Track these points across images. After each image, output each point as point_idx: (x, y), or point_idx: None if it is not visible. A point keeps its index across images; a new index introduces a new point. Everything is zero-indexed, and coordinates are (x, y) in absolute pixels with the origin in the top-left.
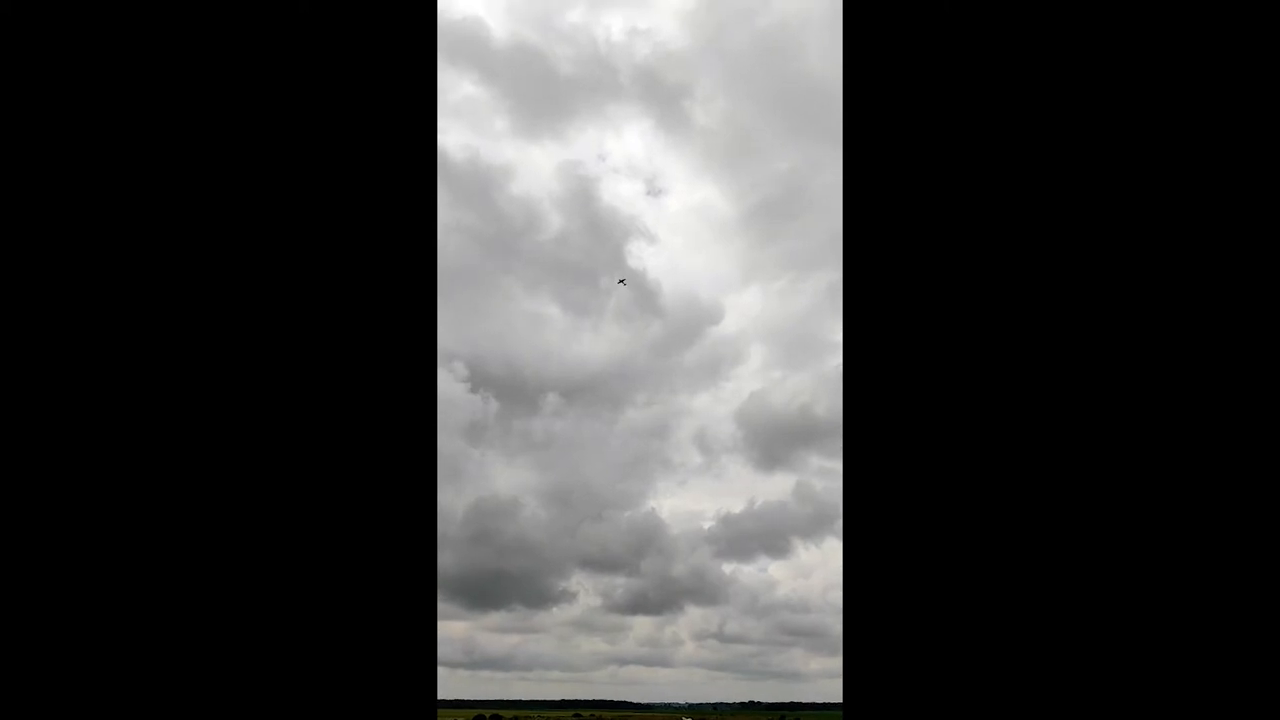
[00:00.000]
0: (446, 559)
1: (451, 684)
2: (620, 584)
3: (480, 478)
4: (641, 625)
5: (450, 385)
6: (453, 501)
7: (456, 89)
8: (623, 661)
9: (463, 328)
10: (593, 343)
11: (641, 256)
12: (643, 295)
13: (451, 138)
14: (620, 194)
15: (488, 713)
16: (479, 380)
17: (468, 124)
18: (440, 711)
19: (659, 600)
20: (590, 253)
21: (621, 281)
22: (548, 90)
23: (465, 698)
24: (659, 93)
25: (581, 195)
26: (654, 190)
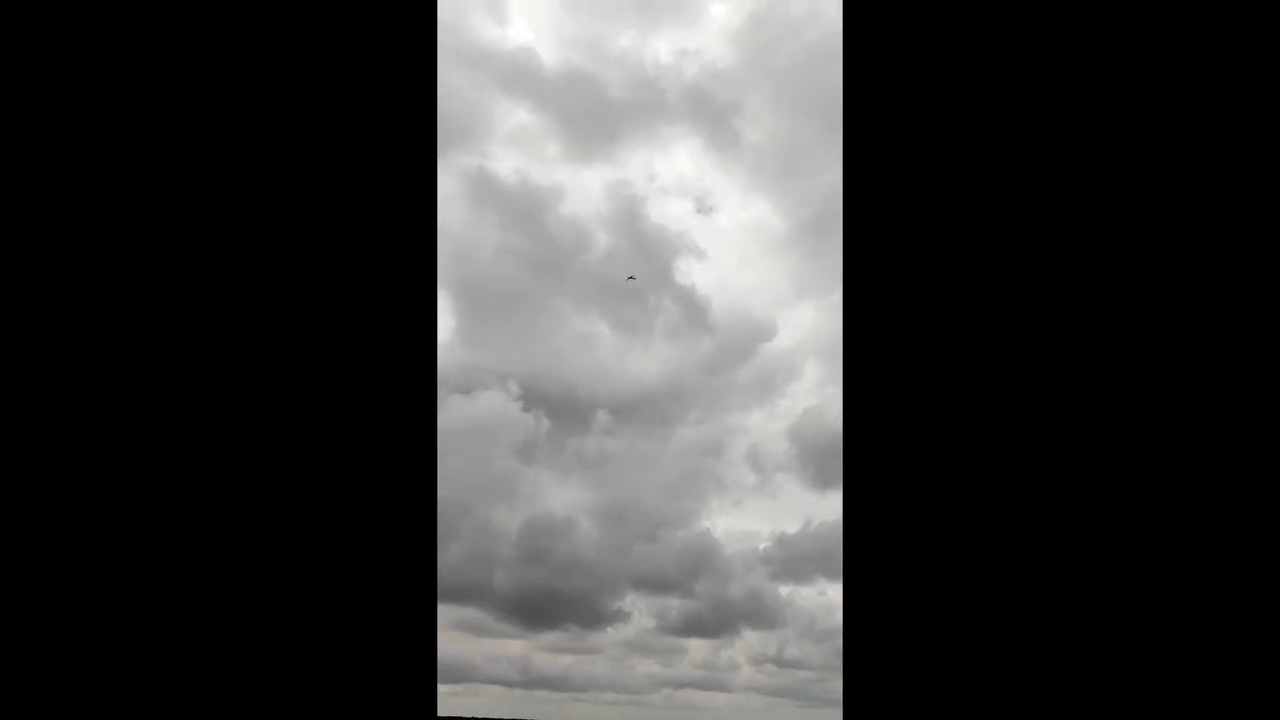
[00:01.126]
0: (501, 578)
1: (508, 704)
2: (674, 605)
3: (533, 496)
4: (697, 648)
5: (504, 404)
6: (506, 520)
7: (511, 118)
8: (678, 685)
9: (516, 348)
10: (642, 360)
11: (690, 273)
12: (692, 312)
13: (504, 164)
14: (669, 212)
15: None
16: (531, 399)
17: (522, 151)
18: None
19: (714, 623)
20: (638, 270)
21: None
22: (598, 114)
23: (521, 717)
24: (708, 111)
25: (628, 214)
26: (704, 208)
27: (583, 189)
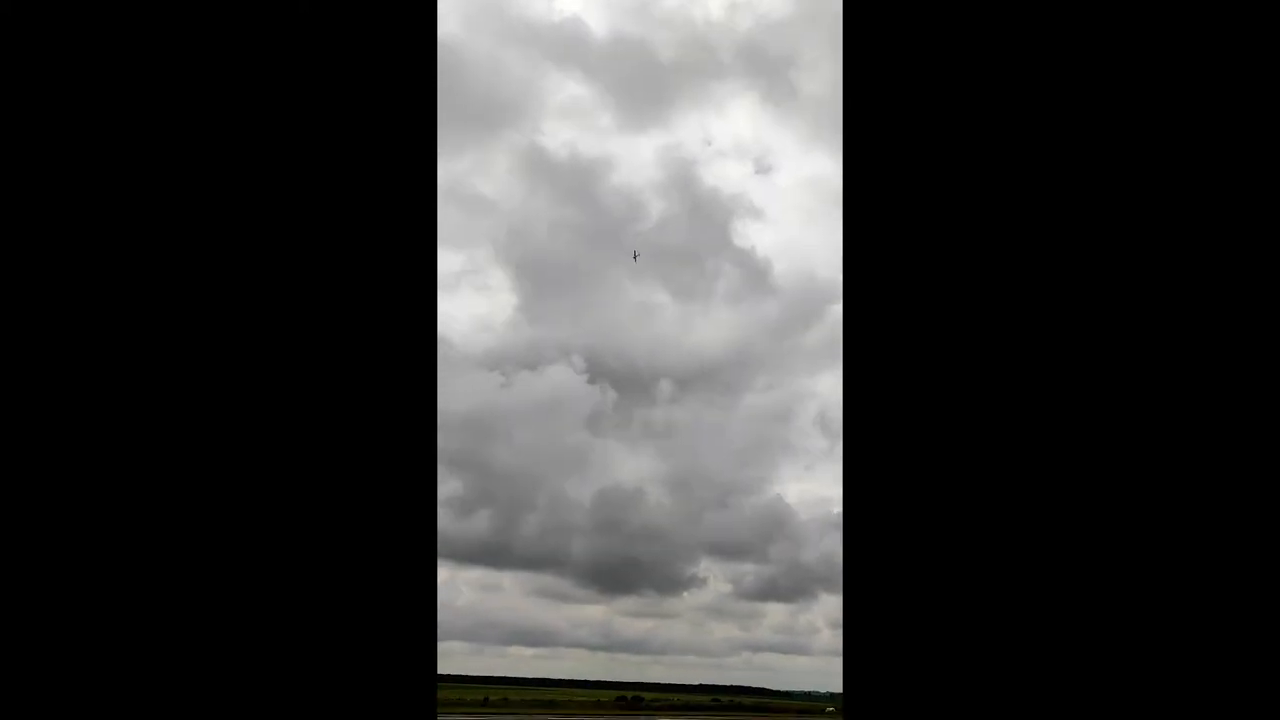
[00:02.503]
0: (578, 546)
1: (591, 665)
2: (750, 571)
3: (604, 467)
4: (775, 612)
5: (570, 378)
6: (579, 491)
7: (561, 91)
8: (757, 648)
9: (578, 322)
10: (705, 327)
11: (749, 235)
12: (753, 275)
13: (555, 139)
14: (724, 174)
15: (629, 693)
16: (596, 372)
17: (574, 123)
18: (584, 691)
19: (791, 587)
20: (694, 236)
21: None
22: (649, 79)
23: (605, 679)
24: (763, 66)
25: (682, 179)
26: (763, 168)
27: (634, 157)
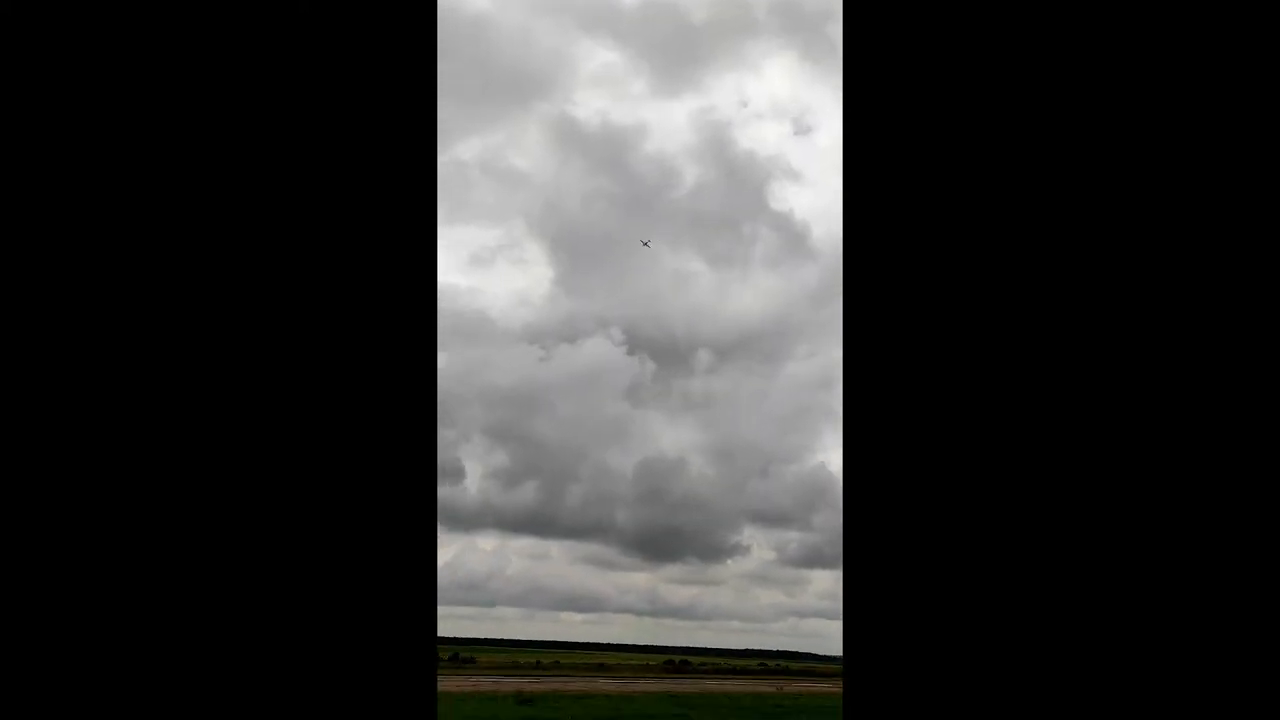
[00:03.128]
0: (622, 516)
1: (639, 630)
2: (793, 538)
3: (645, 438)
4: (820, 579)
5: (608, 350)
6: (621, 462)
7: (592, 59)
8: (803, 614)
9: (615, 293)
10: (743, 294)
11: (786, 198)
12: (791, 239)
13: (586, 108)
14: (761, 136)
15: (677, 658)
16: (635, 343)
17: (606, 91)
18: (633, 654)
19: (835, 554)
20: (730, 201)
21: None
22: (682, 42)
23: (653, 643)
24: (800, 22)
25: (717, 143)
26: (801, 128)
27: (668, 123)
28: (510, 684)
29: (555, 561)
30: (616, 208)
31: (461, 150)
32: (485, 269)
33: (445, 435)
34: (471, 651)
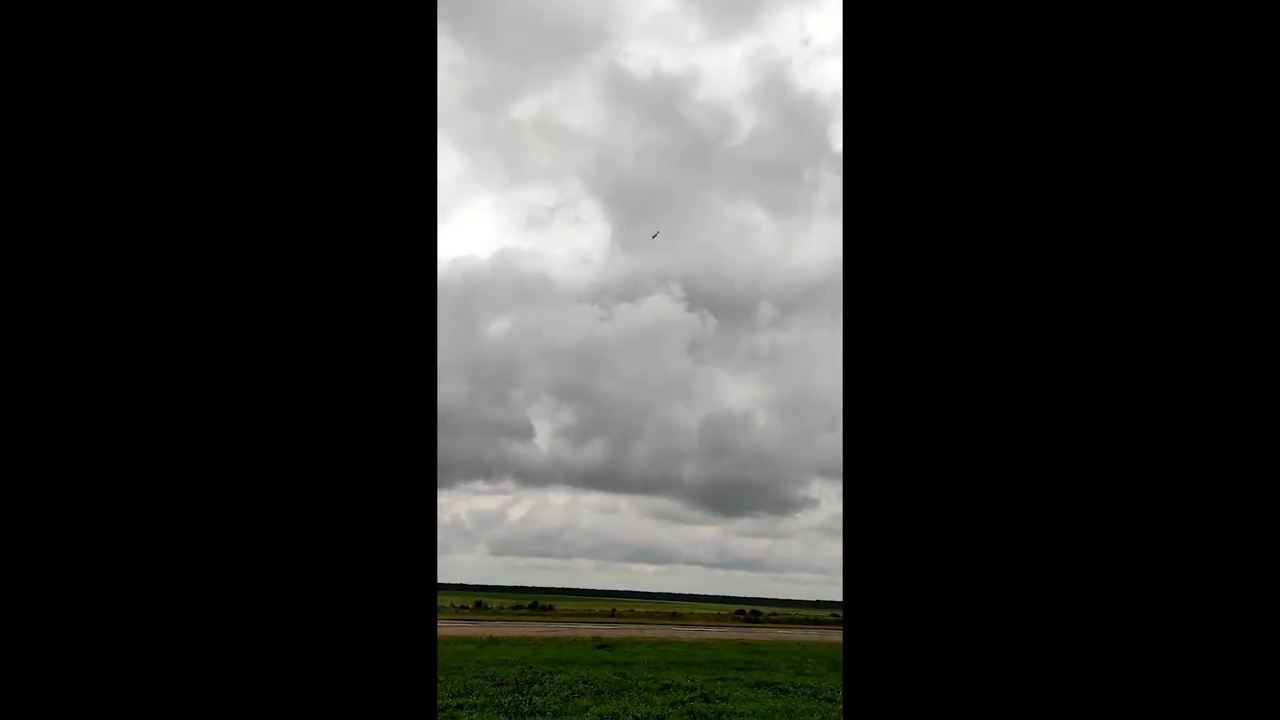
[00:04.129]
0: (689, 471)
1: (709, 581)
2: None
3: (709, 394)
4: None
5: (669, 307)
6: (686, 418)
7: (644, 6)
8: None
9: (673, 248)
10: (806, 243)
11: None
12: None
13: (635, 59)
14: (822, 75)
15: (748, 608)
16: (695, 299)
17: (660, 41)
18: (705, 604)
19: None
20: (790, 146)
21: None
22: None
23: (723, 594)
24: None
25: (774, 85)
26: None
27: (720, 68)
28: (588, 630)
29: (625, 516)
30: (671, 160)
31: (516, 111)
32: (543, 230)
33: (514, 395)
34: (550, 600)
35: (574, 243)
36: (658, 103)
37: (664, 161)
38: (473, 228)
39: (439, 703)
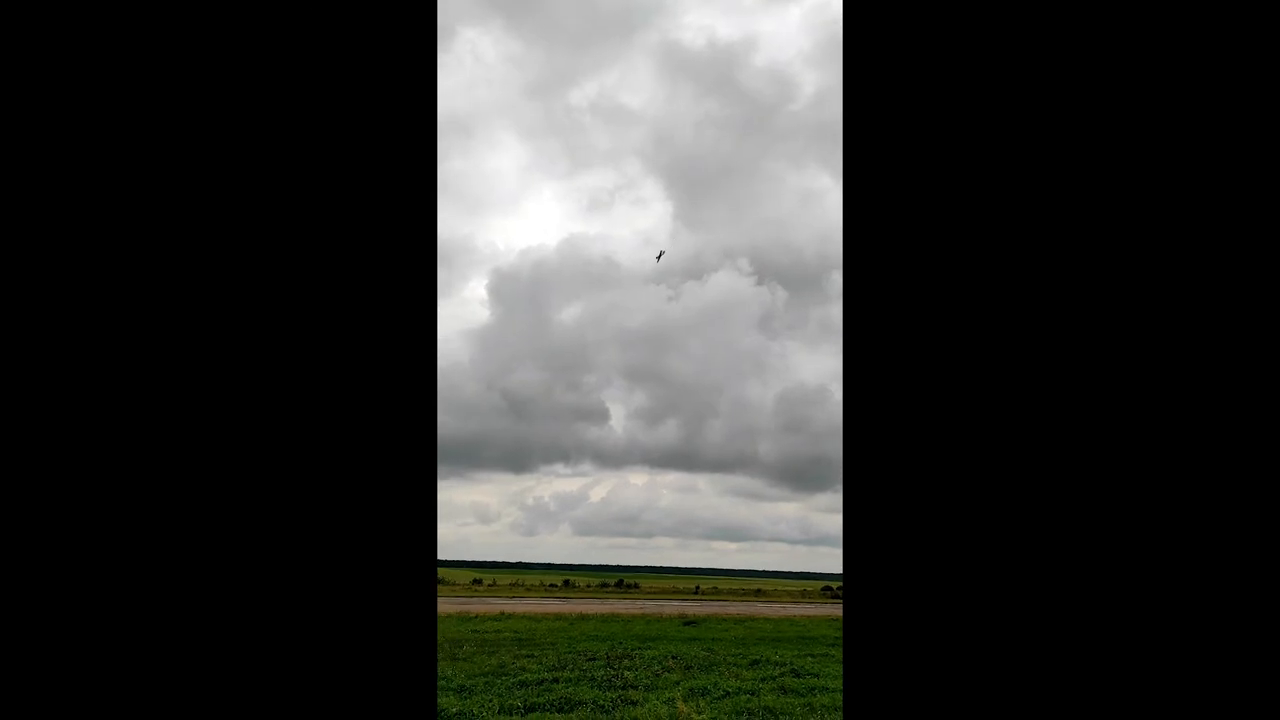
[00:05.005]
0: (765, 448)
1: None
2: None
3: (783, 369)
4: None
5: (736, 282)
6: (761, 394)
7: None
8: None
9: (738, 221)
10: None
11: None
12: None
13: (688, 30)
14: None
15: (834, 584)
16: (763, 272)
17: (715, 9)
18: (789, 581)
19: None
20: None
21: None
22: None
23: (808, 570)
24: None
25: (836, 43)
26: None
27: (778, 31)
28: (673, 608)
29: (704, 494)
30: (731, 131)
31: (574, 97)
32: (605, 213)
33: (587, 380)
34: (634, 578)
35: (638, 224)
36: (715, 73)
37: (724, 133)
38: (539, 218)
39: (536, 676)
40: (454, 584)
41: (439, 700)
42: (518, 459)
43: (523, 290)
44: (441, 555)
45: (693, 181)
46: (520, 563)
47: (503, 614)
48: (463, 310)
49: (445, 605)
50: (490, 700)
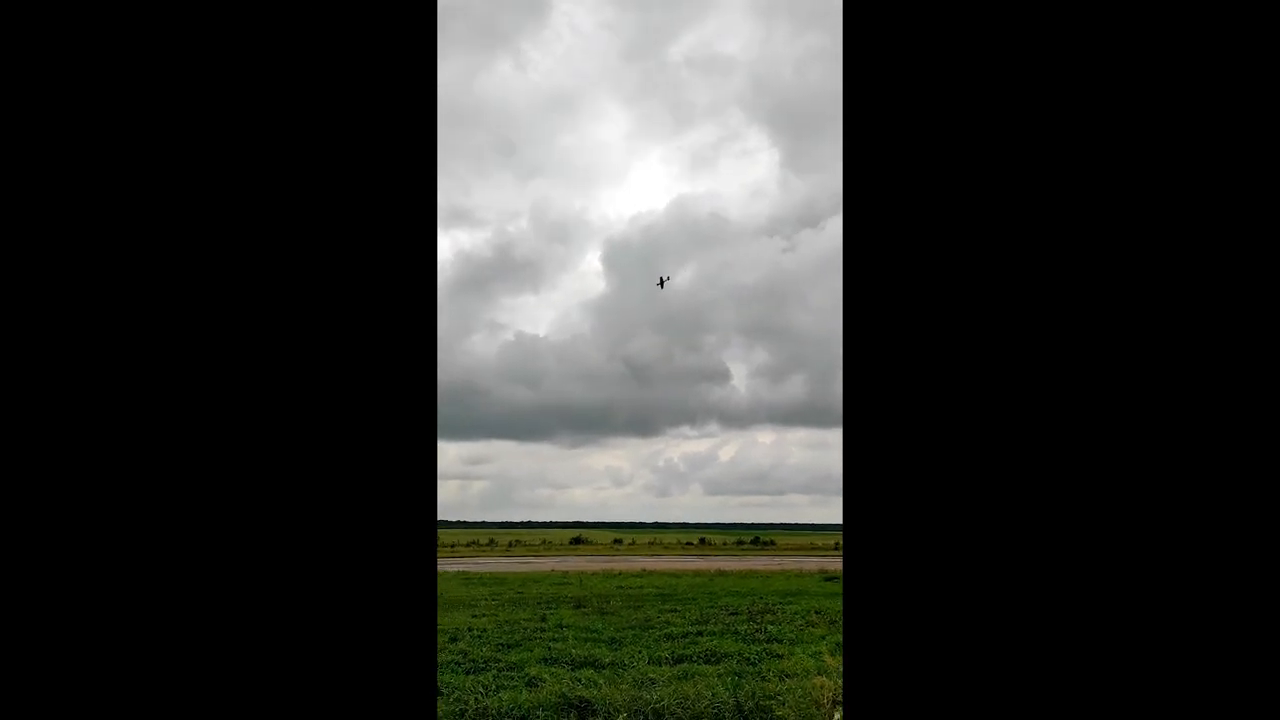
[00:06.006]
0: None
1: None
2: None
3: None
4: None
5: None
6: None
7: None
8: None
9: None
10: None
11: None
12: None
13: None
14: None
15: None
16: None
17: None
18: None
19: None
20: None
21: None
22: None
23: None
24: None
25: None
26: None
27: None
28: (813, 563)
29: (836, 450)
30: (833, 64)
31: (671, 53)
32: (710, 169)
33: (706, 341)
34: (769, 535)
35: (745, 176)
36: (810, 4)
37: (827, 67)
38: (646, 182)
39: (680, 629)
40: (596, 544)
41: (591, 650)
42: (645, 423)
43: (635, 257)
44: (582, 518)
45: (798, 125)
46: (656, 523)
47: (644, 571)
48: (580, 283)
49: (590, 564)
50: (639, 651)
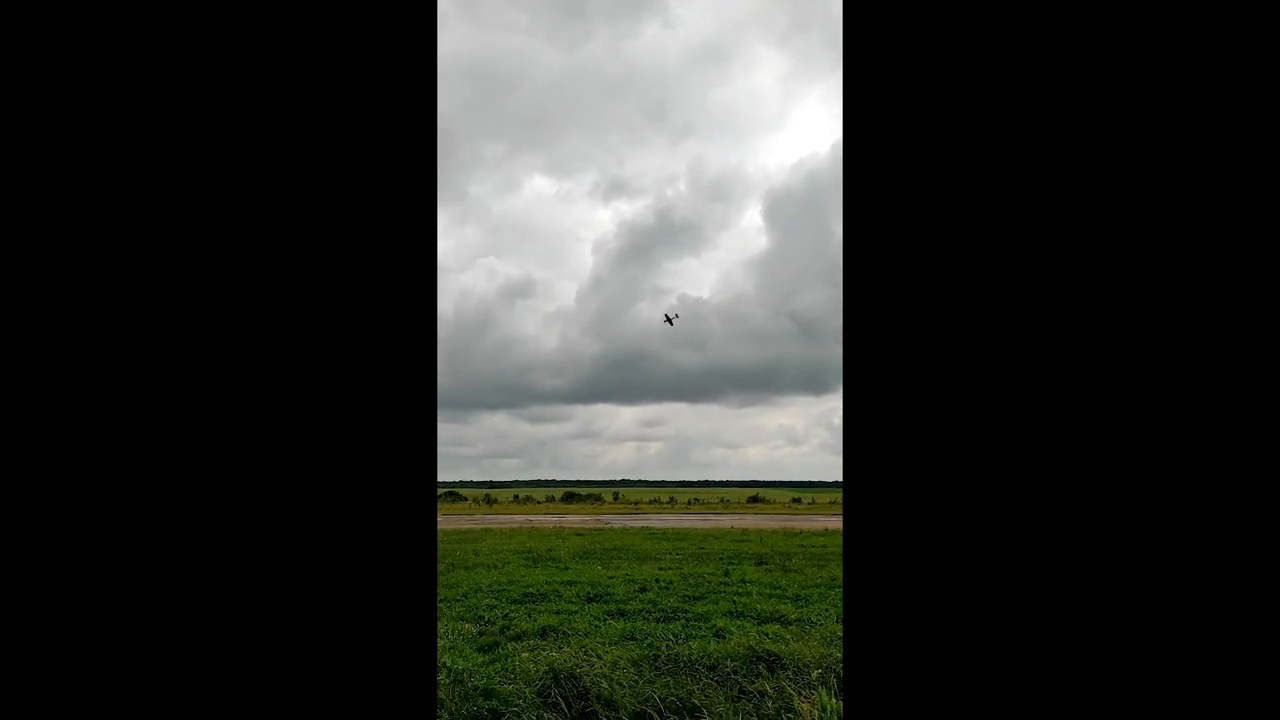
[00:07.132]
0: None
1: None
2: None
3: None
4: None
5: None
6: None
7: None
8: None
9: None
10: None
11: None
12: None
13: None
14: None
15: None
16: None
17: None
18: None
19: None
20: None
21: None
22: None
23: None
24: None
25: None
26: None
27: None
28: None
29: None
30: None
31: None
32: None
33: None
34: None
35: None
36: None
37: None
38: (807, 126)
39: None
40: (773, 502)
41: (777, 606)
42: (816, 381)
43: (799, 207)
44: (758, 476)
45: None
46: (836, 481)
47: (825, 530)
48: (741, 241)
49: (769, 522)
50: (826, 609)
